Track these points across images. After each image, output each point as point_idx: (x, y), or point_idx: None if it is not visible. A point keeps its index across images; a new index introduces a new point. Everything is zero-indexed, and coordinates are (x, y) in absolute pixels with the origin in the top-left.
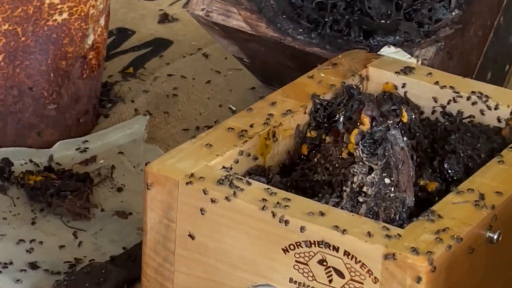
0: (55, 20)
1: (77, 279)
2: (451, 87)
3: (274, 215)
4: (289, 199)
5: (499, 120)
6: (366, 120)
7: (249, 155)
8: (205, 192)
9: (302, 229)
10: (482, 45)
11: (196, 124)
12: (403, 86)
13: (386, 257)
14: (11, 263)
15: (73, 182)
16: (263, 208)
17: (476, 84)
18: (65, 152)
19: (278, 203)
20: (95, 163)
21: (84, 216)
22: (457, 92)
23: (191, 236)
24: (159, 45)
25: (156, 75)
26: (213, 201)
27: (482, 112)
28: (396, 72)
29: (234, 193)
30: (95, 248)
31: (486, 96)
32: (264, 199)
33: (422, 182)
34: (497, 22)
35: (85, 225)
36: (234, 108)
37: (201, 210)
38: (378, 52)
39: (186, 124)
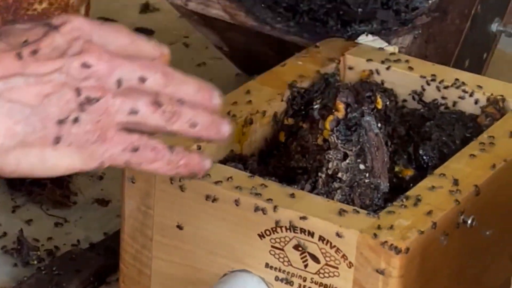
0: (35, 9)
1: (56, 266)
2: (428, 75)
3: (250, 201)
4: (265, 186)
5: (475, 107)
6: (341, 106)
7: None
8: (180, 179)
9: (277, 215)
10: (459, 33)
11: None
12: (380, 73)
13: (360, 242)
14: None
15: None
16: (239, 194)
17: (453, 71)
18: None
19: (254, 188)
20: None
21: (64, 204)
22: (434, 80)
23: (179, 227)
24: (140, 35)
25: None
26: (189, 188)
27: (458, 99)
28: (373, 60)
29: (210, 179)
30: (75, 236)
31: (463, 83)
32: (240, 186)
33: (397, 169)
34: (475, 10)
35: (65, 213)
36: None
37: (178, 197)
38: (356, 40)
39: None
